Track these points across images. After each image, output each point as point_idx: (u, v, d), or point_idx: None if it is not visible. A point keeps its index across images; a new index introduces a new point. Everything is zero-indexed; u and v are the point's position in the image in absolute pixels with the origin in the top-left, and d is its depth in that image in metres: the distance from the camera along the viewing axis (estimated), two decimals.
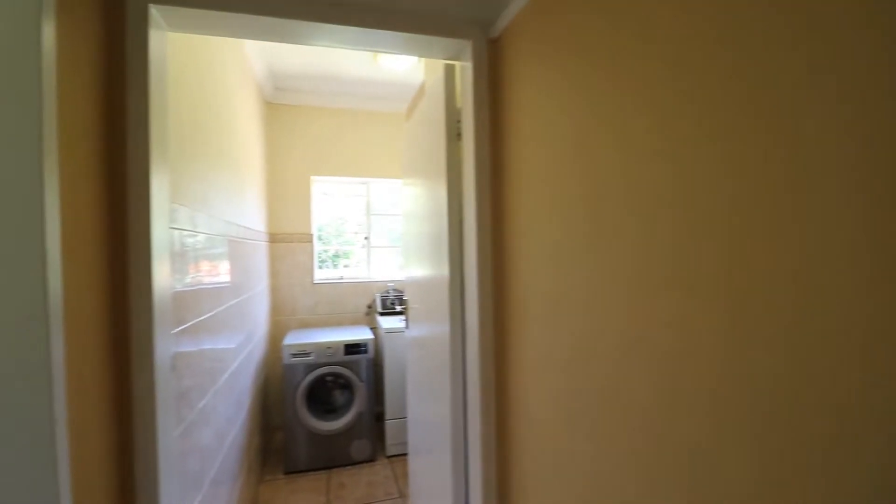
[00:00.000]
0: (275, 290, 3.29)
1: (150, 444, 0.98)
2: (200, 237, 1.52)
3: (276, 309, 3.30)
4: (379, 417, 2.89)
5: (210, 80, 1.71)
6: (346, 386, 2.83)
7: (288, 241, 3.33)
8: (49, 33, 0.72)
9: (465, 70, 1.25)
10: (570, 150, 0.90)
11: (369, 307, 3.43)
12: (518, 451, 1.15)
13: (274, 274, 3.30)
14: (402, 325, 2.84)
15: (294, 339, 2.78)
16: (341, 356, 2.72)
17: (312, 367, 2.68)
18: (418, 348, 1.87)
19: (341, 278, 3.52)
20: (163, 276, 1.04)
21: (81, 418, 0.82)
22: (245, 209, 2.37)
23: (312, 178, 3.41)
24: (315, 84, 3.19)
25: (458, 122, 1.31)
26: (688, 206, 0.62)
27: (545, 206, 0.99)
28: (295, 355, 2.66)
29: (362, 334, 2.90)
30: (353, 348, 2.74)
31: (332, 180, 3.53)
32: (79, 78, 0.84)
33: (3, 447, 0.69)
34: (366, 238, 3.67)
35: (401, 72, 2.92)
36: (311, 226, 3.40)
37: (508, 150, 1.17)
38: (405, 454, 2.77)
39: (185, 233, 1.34)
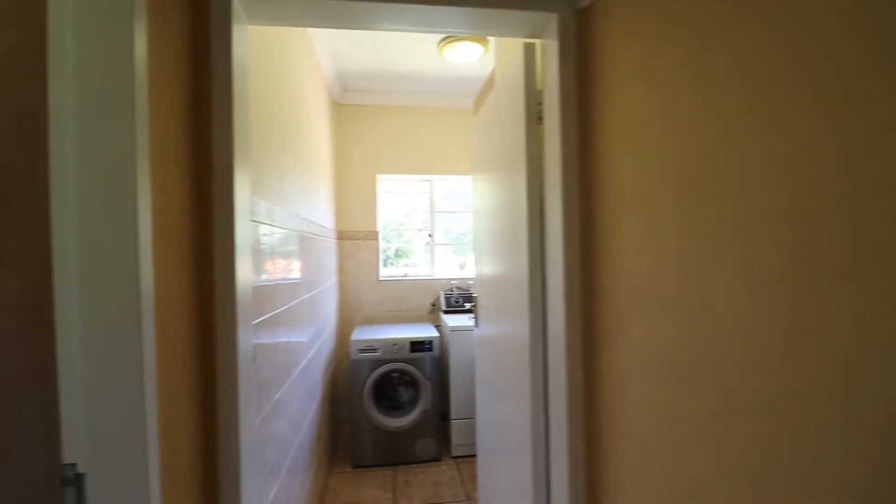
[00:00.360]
0: (342, 287, 3.36)
1: (233, 432, 0.98)
2: (277, 231, 1.55)
3: (343, 305, 3.37)
4: (444, 416, 2.85)
5: (284, 80, 1.74)
6: (412, 383, 2.81)
7: (354, 239, 3.39)
8: (141, 35, 0.72)
9: (547, 48, 1.15)
10: (690, 133, 0.78)
11: (433, 305, 3.41)
12: (612, 464, 1.03)
13: (341, 270, 3.37)
14: (469, 323, 2.79)
15: (361, 334, 2.82)
16: (407, 353, 2.71)
17: (379, 362, 2.69)
18: (488, 347, 1.79)
19: (405, 276, 3.53)
20: (245, 268, 1.05)
21: (169, 405, 0.83)
22: (316, 206, 2.42)
23: (378, 176, 3.45)
24: (380, 83, 3.22)
25: (539, 104, 1.21)
26: (860, 188, 0.49)
27: (656, 191, 0.87)
28: (362, 351, 2.68)
29: (427, 332, 2.87)
30: (418, 345, 2.72)
31: (397, 178, 3.55)
32: (167, 75, 0.86)
33: (102, 432, 0.70)
34: (429, 235, 3.65)
35: (466, 65, 2.85)
36: (377, 223, 3.44)
37: (600, 132, 1.06)
38: (472, 456, 2.70)
39: (264, 226, 1.36)
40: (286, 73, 1.78)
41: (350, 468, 2.68)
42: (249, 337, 1.08)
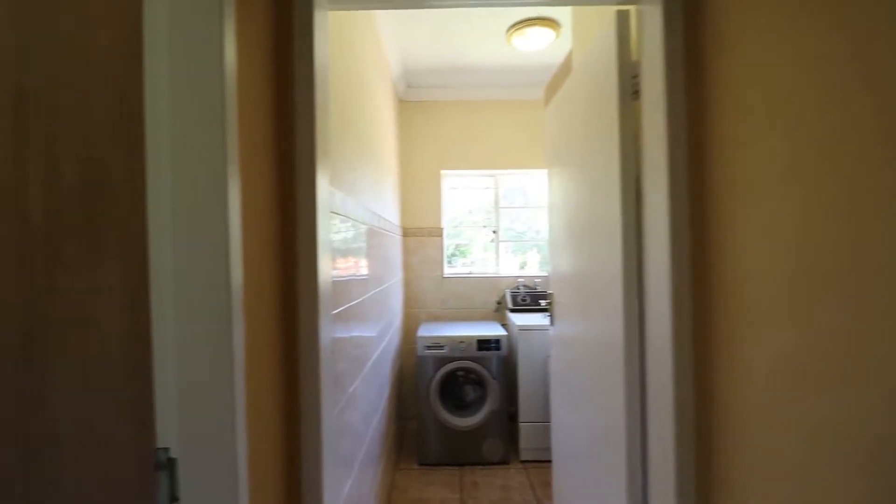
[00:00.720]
0: (407, 284, 3.37)
1: (315, 421, 0.96)
2: (352, 223, 1.54)
3: (408, 301, 3.37)
4: (512, 418, 2.75)
5: (355, 73, 1.74)
6: (478, 382, 2.74)
7: (418, 236, 3.38)
8: (230, 26, 0.71)
9: (646, 14, 1.02)
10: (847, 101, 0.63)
11: (498, 303, 3.31)
12: (736, 490, 0.89)
13: (406, 267, 3.37)
14: (538, 322, 2.67)
15: (427, 331, 2.79)
16: (474, 351, 2.64)
17: (445, 360, 2.64)
18: (566, 347, 1.67)
19: (470, 273, 3.47)
20: (326, 259, 1.03)
21: (255, 393, 0.82)
22: (384, 202, 2.42)
23: (442, 172, 3.42)
24: (445, 78, 3.18)
25: (635, 77, 1.09)
26: None
27: (803, 167, 0.72)
28: (429, 347, 2.65)
29: (494, 330, 2.79)
30: (485, 344, 2.64)
31: (461, 173, 3.49)
32: (253, 65, 0.85)
33: (193, 417, 0.70)
34: (494, 232, 3.56)
35: (535, 53, 2.73)
36: (441, 220, 3.41)
37: (714, 103, 0.92)
38: (542, 461, 2.58)
39: (341, 217, 1.35)
40: (357, 68, 1.77)
41: (416, 465, 2.66)
42: (330, 328, 1.06)
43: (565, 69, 2.22)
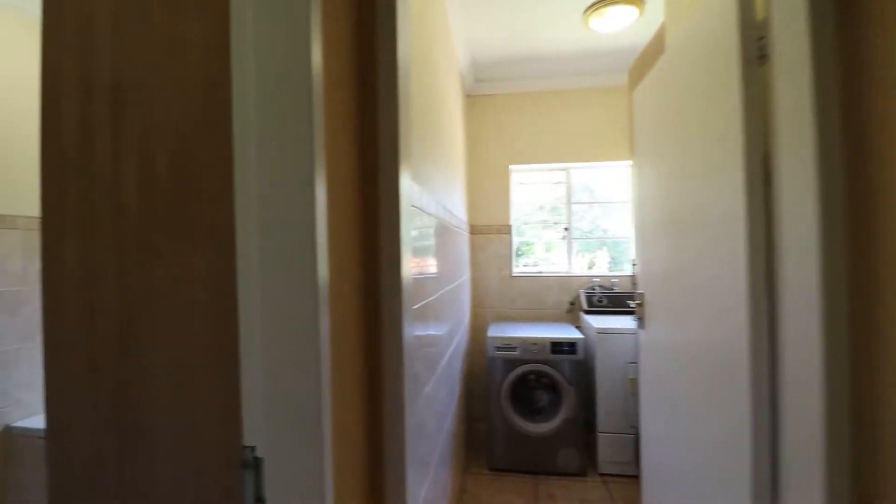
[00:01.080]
0: (474, 282, 3.29)
1: (398, 421, 0.91)
2: (426, 219, 1.48)
3: (475, 300, 3.29)
4: (589, 427, 2.57)
5: (429, 65, 1.68)
6: (551, 387, 2.59)
7: (486, 233, 3.29)
8: (316, 20, 0.67)
9: None
10: None
11: (572, 304, 3.13)
12: None
13: (474, 265, 3.30)
14: (617, 324, 2.47)
15: (497, 331, 2.69)
16: (547, 354, 2.50)
17: (517, 362, 2.53)
18: (660, 353, 1.50)
19: (540, 272, 3.32)
20: (408, 254, 0.98)
21: (339, 391, 0.78)
22: (455, 198, 2.36)
23: (510, 167, 3.30)
24: (515, 69, 3.06)
25: (762, 38, 0.92)
26: None
27: None
28: (499, 349, 2.55)
29: (569, 333, 2.63)
30: (559, 347, 2.49)
31: (531, 168, 3.35)
32: (335, 56, 0.80)
33: (279, 416, 0.67)
34: (565, 229, 3.38)
35: (615, 34, 2.54)
36: (509, 217, 3.30)
37: (877, 65, 0.74)
38: (624, 476, 2.39)
39: (418, 212, 1.30)
40: (431, 58, 1.72)
41: (486, 470, 2.57)
42: (412, 326, 1.00)
43: (655, 47, 2.02)
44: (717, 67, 1.03)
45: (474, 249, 3.30)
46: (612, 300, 2.88)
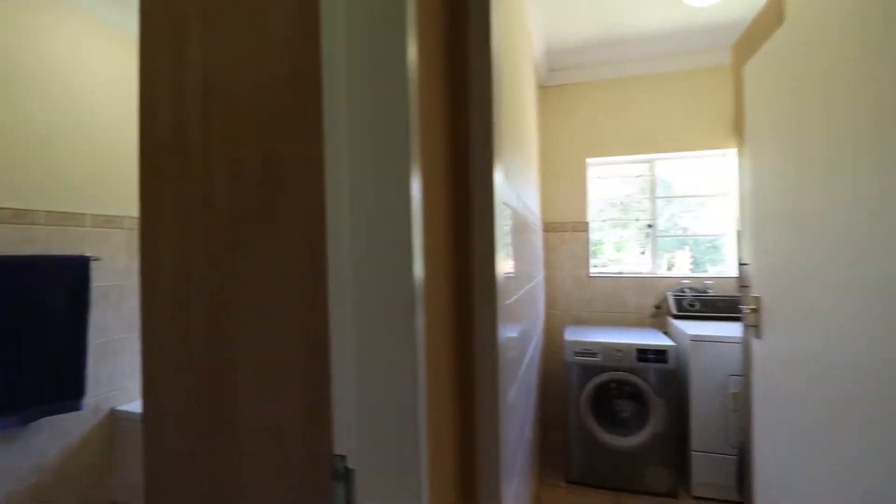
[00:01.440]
0: (548, 282, 3.13)
1: (493, 429, 0.84)
2: (510, 213, 1.39)
3: (548, 302, 3.13)
4: (679, 443, 2.33)
5: (508, 59, 1.58)
6: (634, 397, 2.38)
7: (560, 231, 3.12)
8: (412, 8, 0.60)
9: None
10: None
11: (657, 308, 2.87)
12: None
13: (547, 265, 3.14)
14: (714, 331, 2.21)
15: (576, 335, 2.52)
16: (633, 362, 2.30)
17: (598, 369, 2.35)
18: (784, 368, 1.29)
19: (620, 272, 3.08)
20: (501, 253, 0.90)
21: (433, 399, 0.71)
22: (531, 195, 2.24)
23: (587, 160, 3.10)
24: (593, 55, 2.87)
25: None
26: None
27: None
28: (578, 354, 2.39)
29: (657, 339, 2.40)
30: (646, 354, 2.28)
31: (610, 160, 3.12)
32: (427, 48, 0.73)
33: (372, 425, 0.61)
34: (649, 226, 3.11)
35: (711, 7, 2.27)
36: (586, 213, 3.09)
37: None
38: (721, 501, 2.14)
39: (504, 208, 1.21)
40: (509, 46, 1.62)
41: (563, 483, 2.42)
42: (505, 326, 0.92)
43: (769, 17, 1.76)
44: (874, 26, 0.83)
45: (548, 248, 3.14)
46: (706, 304, 2.59)
